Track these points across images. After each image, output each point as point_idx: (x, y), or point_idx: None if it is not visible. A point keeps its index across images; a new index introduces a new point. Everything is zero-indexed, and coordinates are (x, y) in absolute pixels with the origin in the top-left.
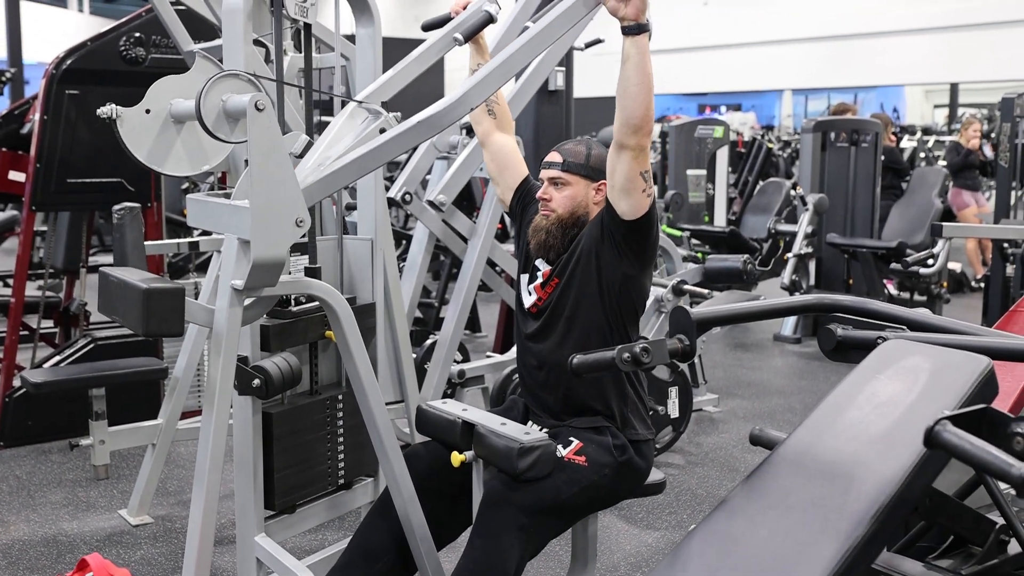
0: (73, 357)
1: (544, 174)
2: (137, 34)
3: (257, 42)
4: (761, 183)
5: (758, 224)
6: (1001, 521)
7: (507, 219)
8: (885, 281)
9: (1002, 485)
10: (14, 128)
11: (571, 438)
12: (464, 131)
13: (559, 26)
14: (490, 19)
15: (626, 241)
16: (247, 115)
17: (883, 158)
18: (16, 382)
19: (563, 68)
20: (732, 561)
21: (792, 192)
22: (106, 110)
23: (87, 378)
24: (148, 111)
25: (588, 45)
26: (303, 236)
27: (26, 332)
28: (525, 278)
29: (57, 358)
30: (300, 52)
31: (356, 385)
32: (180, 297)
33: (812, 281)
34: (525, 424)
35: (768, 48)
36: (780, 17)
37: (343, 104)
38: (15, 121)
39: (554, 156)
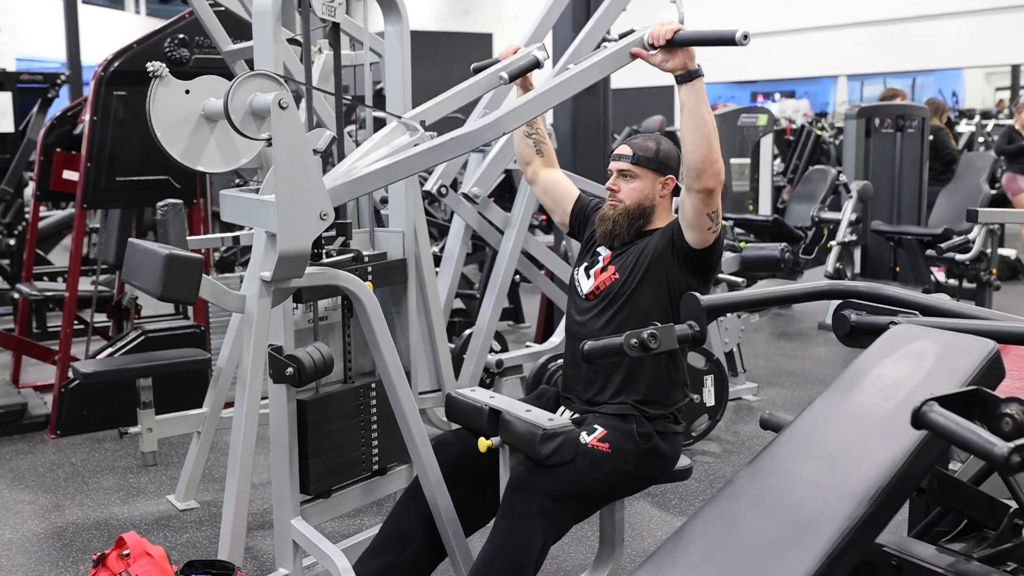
0: (124, 349)
1: (613, 166)
2: (181, 36)
3: (293, 41)
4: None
5: (803, 212)
6: (1015, 505)
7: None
8: (935, 269)
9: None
10: (67, 129)
11: (596, 425)
12: None
13: (599, 70)
14: (537, 64)
15: (689, 262)
16: (271, 113)
17: (930, 138)
18: (71, 374)
19: None
20: (732, 541)
21: (838, 179)
22: (155, 65)
23: (134, 368)
24: (188, 92)
25: (622, 36)
26: (330, 229)
27: (81, 326)
28: (584, 265)
29: (109, 350)
30: None
31: (384, 374)
32: (198, 267)
33: (857, 269)
34: (554, 412)
35: (822, 33)
36: (834, 1)
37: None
38: (68, 122)
39: (624, 149)
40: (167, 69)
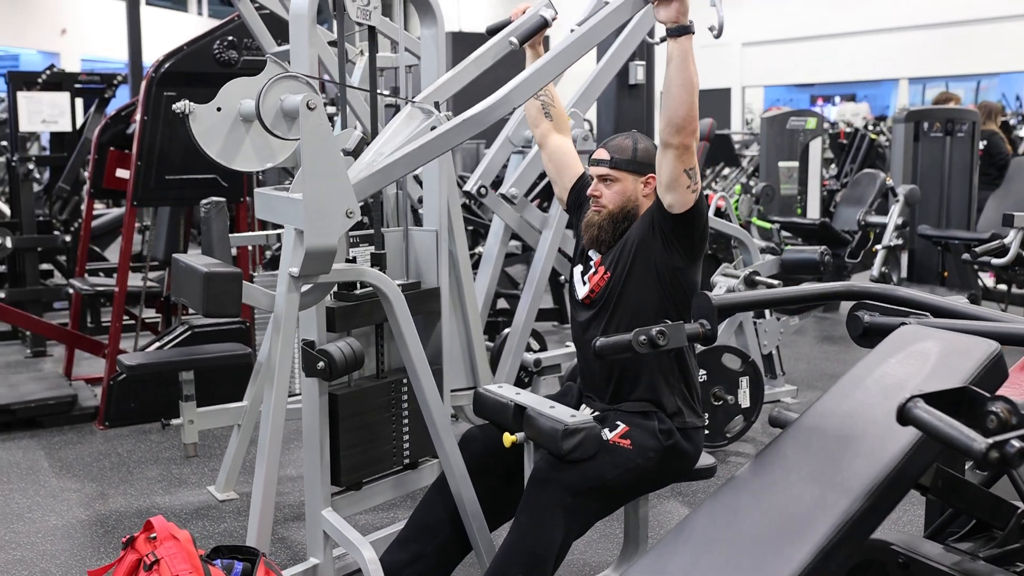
0: (171, 343)
1: (593, 171)
2: (230, 38)
3: (335, 43)
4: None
5: (851, 216)
6: (1023, 506)
7: None
8: (988, 273)
9: None
10: (121, 129)
11: (618, 422)
12: None
13: (604, 27)
14: (545, 24)
15: (674, 234)
16: (299, 113)
17: (983, 143)
18: (118, 367)
19: (643, 62)
20: (731, 533)
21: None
22: (180, 106)
23: (175, 362)
24: (219, 109)
25: (663, 39)
26: (369, 228)
27: (132, 321)
28: (579, 269)
29: (156, 344)
30: (378, 51)
31: (410, 370)
32: (237, 281)
33: (904, 273)
34: (578, 409)
35: (883, 36)
36: (895, 3)
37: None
38: (122, 122)
39: (601, 153)
40: (191, 105)
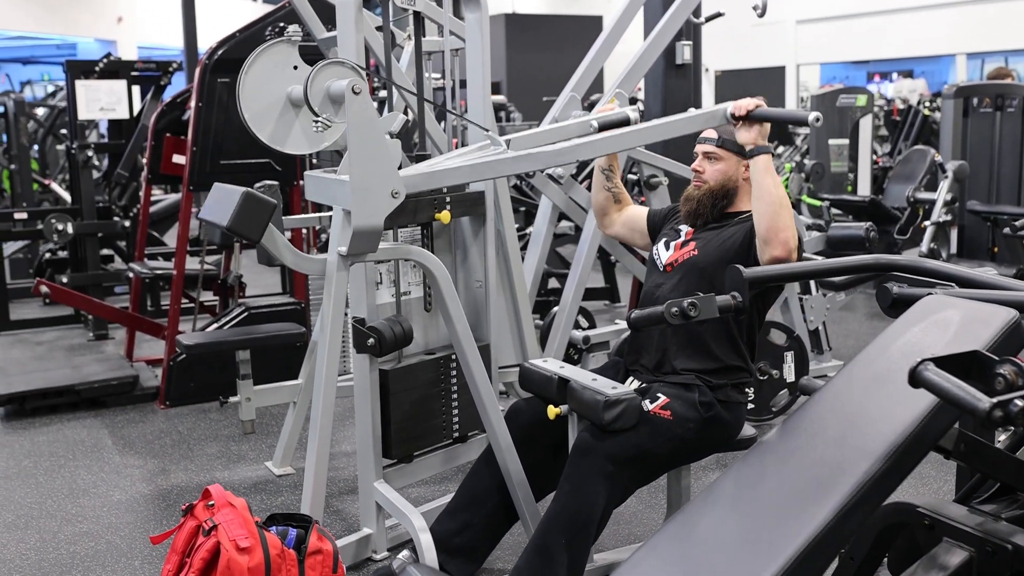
0: (229, 324)
1: (699, 148)
2: (281, 24)
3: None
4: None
5: (901, 193)
6: None
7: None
8: None
9: None
10: (177, 115)
11: (659, 394)
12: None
13: (685, 126)
14: (627, 121)
15: None
16: (345, 98)
17: None
18: (177, 347)
19: (690, 42)
20: (756, 495)
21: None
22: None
23: (231, 341)
24: (296, 67)
25: (709, 19)
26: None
27: (191, 304)
28: (663, 241)
29: (214, 326)
30: (425, 36)
31: (456, 344)
32: (269, 210)
33: (953, 250)
34: (623, 382)
35: (940, 11)
36: None
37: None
38: (178, 109)
39: (710, 132)
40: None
